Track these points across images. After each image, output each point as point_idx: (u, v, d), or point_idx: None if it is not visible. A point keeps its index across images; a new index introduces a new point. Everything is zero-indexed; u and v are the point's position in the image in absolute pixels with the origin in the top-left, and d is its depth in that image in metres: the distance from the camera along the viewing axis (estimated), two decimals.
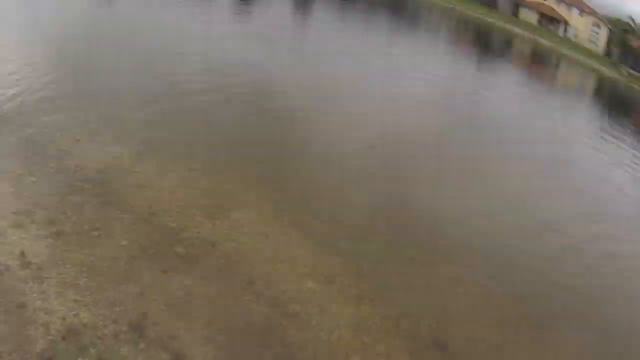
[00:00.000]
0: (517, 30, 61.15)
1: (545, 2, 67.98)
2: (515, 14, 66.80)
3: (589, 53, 61.84)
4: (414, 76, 23.99)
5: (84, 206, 8.52)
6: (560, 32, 65.94)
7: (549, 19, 66.90)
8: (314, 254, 9.07)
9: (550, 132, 23.90)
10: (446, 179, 14.19)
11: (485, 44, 54.31)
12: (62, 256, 7.30)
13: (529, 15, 66.41)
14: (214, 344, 6.68)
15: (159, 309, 6.93)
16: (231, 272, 8.09)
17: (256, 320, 7.30)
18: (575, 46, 62.52)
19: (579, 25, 66.52)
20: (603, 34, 66.39)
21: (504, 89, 30.87)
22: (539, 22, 66.43)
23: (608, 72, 57.55)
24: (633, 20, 65.07)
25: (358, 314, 8.01)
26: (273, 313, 7.49)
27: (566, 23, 66.43)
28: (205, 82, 15.31)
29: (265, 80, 17.41)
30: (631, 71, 59.78)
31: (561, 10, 67.49)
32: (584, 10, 67.53)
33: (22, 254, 7.12)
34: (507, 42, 57.78)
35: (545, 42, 60.51)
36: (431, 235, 10.88)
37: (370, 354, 7.31)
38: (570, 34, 66.00)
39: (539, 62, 53.73)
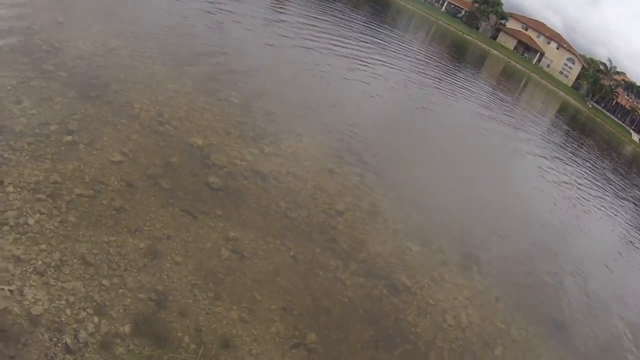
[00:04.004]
0: (493, 50, 62.20)
1: (526, 32, 69.74)
2: (494, 37, 68.17)
3: (558, 83, 63.15)
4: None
5: None
6: (534, 60, 67.44)
7: (526, 47, 68.44)
8: None
9: None
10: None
11: (460, 53, 54.98)
12: None
13: (507, 40, 67.79)
14: None
15: None
16: None
17: None
18: (546, 74, 63.83)
19: (554, 57, 68.20)
20: (576, 69, 68.22)
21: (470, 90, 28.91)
22: (516, 48, 67.90)
23: (573, 101, 58.73)
24: (610, 61, 67.37)
25: None
26: None
27: (542, 53, 68.08)
28: None
29: None
30: (595, 105, 61.27)
31: (539, 41, 69.24)
32: (562, 45, 69.45)
33: None
34: (482, 57, 58.54)
35: (517, 65, 61.65)
36: None
37: None
38: (544, 63, 67.53)
39: (508, 78, 54.42)
